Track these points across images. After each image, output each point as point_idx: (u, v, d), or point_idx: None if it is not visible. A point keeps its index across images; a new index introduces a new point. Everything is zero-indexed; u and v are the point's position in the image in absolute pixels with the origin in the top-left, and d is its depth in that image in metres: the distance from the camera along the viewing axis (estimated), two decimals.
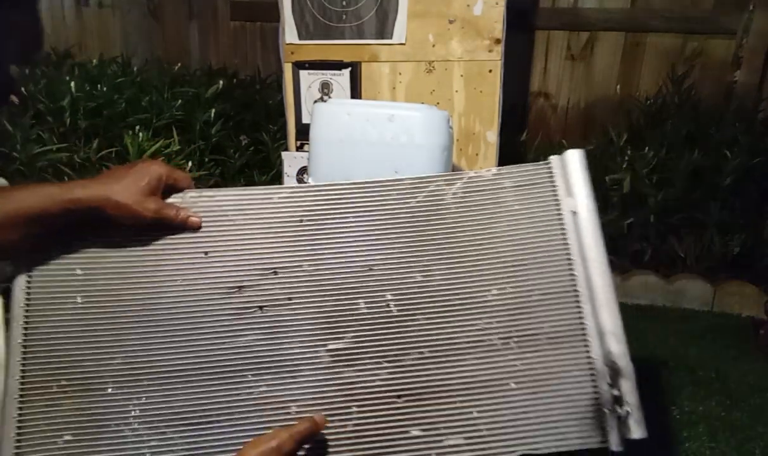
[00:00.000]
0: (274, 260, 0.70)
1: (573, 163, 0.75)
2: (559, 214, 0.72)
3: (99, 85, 2.00)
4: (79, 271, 0.67)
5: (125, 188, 0.64)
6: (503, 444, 0.63)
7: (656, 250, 2.15)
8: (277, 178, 2.14)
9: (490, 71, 1.60)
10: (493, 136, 1.65)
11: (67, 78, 1.98)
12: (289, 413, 0.64)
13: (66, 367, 0.63)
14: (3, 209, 0.60)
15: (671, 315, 2.05)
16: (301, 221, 0.72)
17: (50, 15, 2.40)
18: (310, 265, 0.70)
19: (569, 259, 0.70)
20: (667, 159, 2.08)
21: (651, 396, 1.60)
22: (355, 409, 0.64)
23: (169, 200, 0.71)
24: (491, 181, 0.75)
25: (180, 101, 2.10)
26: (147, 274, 0.68)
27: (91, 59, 2.26)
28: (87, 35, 2.58)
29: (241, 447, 0.61)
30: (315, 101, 1.72)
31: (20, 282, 0.66)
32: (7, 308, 0.65)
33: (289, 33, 1.70)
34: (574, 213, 0.72)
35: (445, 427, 0.63)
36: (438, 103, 1.63)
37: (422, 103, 1.35)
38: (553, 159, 0.76)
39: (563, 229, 0.71)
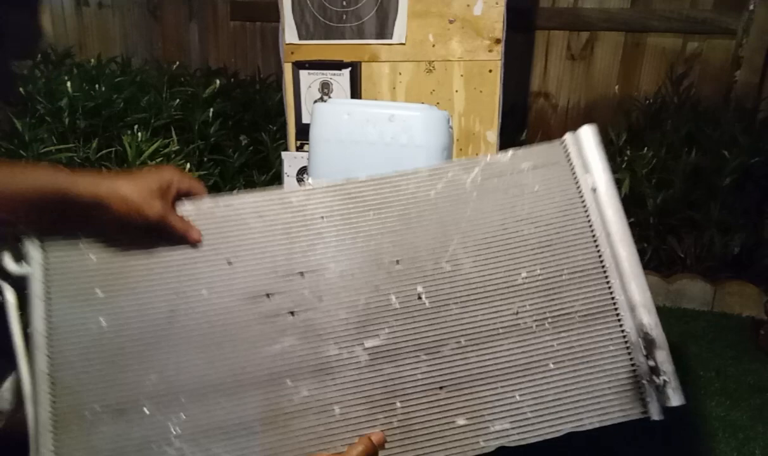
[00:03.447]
0: (300, 263, 0.69)
1: (587, 139, 0.75)
2: (580, 192, 0.72)
3: (97, 85, 2.00)
4: (99, 293, 0.66)
5: (134, 185, 0.63)
6: (549, 424, 0.63)
7: (656, 251, 2.15)
8: (276, 178, 2.14)
9: (490, 71, 1.60)
10: (493, 136, 1.65)
11: (66, 78, 1.98)
12: (333, 415, 0.63)
13: (98, 392, 0.62)
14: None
15: (671, 315, 2.05)
16: (323, 219, 0.71)
17: (50, 15, 2.40)
18: (336, 265, 0.69)
19: (594, 235, 0.70)
20: (667, 159, 2.08)
21: None
22: (399, 404, 0.63)
23: (185, 209, 0.69)
24: (508, 164, 0.75)
25: (178, 101, 2.09)
26: (170, 289, 0.66)
27: (90, 59, 2.26)
28: (87, 35, 2.57)
29: (288, 454, 0.61)
30: (315, 101, 1.72)
31: (38, 310, 0.64)
32: (25, 331, 0.64)
33: (289, 33, 1.70)
34: (594, 190, 0.72)
35: (489, 414, 0.63)
36: (438, 103, 1.62)
37: (422, 103, 1.35)
38: (568, 136, 0.76)
39: (585, 206, 0.72)
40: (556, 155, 0.75)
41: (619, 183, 2.09)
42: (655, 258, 2.16)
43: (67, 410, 0.61)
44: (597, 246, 0.70)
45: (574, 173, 0.74)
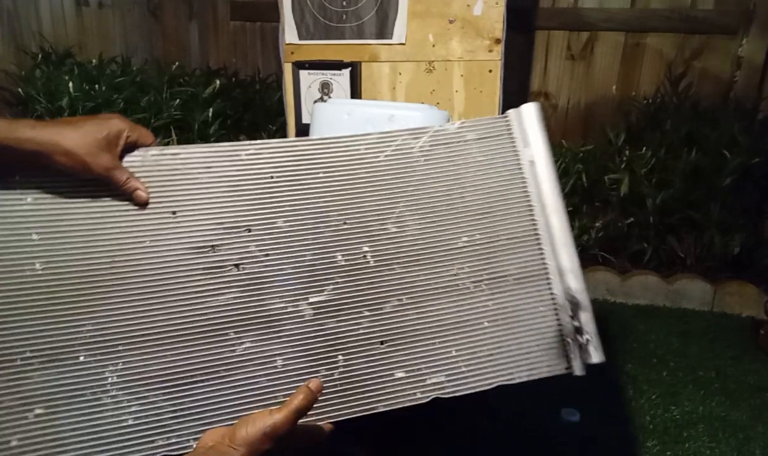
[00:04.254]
0: (247, 218, 0.68)
1: (529, 116, 0.80)
2: (519, 164, 0.77)
3: (97, 85, 2.00)
4: (35, 236, 0.63)
5: (80, 136, 0.60)
6: (481, 377, 0.68)
7: (656, 251, 2.15)
8: None
9: (490, 71, 1.60)
10: None
11: (66, 78, 1.98)
12: (275, 367, 0.64)
13: (30, 338, 0.60)
14: None
15: (671, 315, 2.05)
16: (272, 177, 0.71)
17: (50, 15, 2.40)
18: (285, 221, 0.69)
19: (530, 205, 0.76)
20: (667, 159, 2.08)
21: (651, 396, 1.60)
22: (340, 357, 0.66)
23: (130, 157, 0.66)
24: (455, 134, 0.78)
25: (178, 101, 2.09)
26: (111, 236, 0.65)
27: (90, 59, 2.26)
28: (87, 35, 2.57)
29: (229, 404, 0.61)
30: (315, 101, 1.72)
31: None
32: None
33: (289, 33, 1.70)
34: (532, 162, 0.77)
35: (426, 368, 0.67)
36: (438, 103, 1.62)
37: (422, 103, 1.35)
38: (511, 112, 0.81)
39: (523, 178, 0.77)
40: (499, 128, 0.80)
41: (618, 183, 2.09)
42: (655, 258, 2.16)
43: None
44: (532, 215, 0.75)
45: (514, 146, 0.78)
